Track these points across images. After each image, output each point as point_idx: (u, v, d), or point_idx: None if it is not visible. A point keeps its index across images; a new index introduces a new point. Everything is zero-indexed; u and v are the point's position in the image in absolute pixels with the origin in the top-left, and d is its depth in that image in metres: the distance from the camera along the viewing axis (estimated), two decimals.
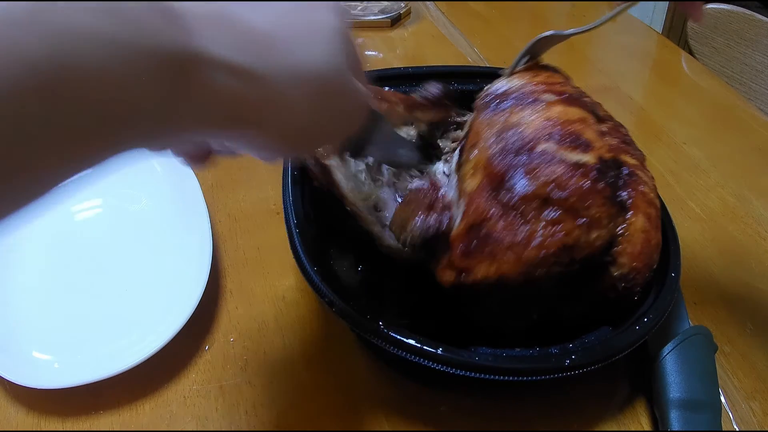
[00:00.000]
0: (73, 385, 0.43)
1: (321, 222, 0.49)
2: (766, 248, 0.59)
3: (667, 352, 0.44)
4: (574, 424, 0.44)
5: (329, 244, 0.49)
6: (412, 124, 0.54)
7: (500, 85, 0.48)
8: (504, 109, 0.45)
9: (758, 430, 0.44)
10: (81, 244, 0.56)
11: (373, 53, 0.93)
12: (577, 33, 0.47)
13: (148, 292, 0.51)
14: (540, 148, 0.41)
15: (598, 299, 0.43)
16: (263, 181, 0.65)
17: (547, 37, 0.47)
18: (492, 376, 0.38)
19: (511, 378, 0.39)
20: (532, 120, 0.43)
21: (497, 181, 0.41)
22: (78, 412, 0.44)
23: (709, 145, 0.73)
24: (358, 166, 0.50)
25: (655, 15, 1.86)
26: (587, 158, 0.41)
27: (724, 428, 0.42)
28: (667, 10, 1.82)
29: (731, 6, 1.01)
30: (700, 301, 0.53)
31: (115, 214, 0.59)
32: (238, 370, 0.47)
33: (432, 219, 0.42)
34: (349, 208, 0.48)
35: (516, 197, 0.40)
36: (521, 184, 0.40)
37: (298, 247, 0.45)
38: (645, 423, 0.44)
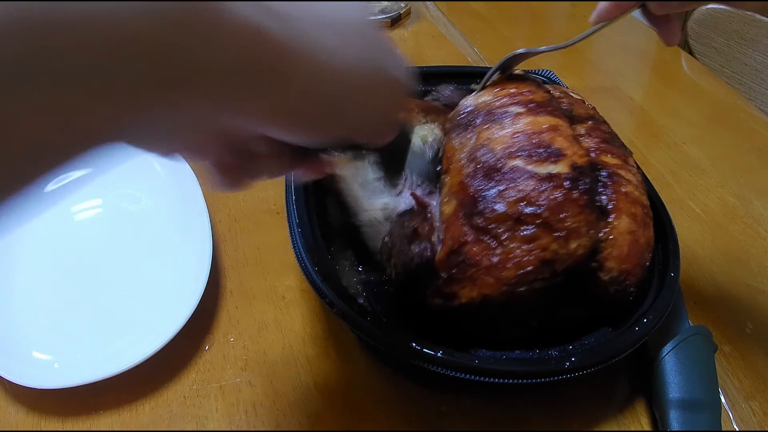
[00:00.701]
0: (73, 385, 0.43)
1: (322, 222, 0.49)
2: (766, 248, 0.59)
3: (666, 352, 0.44)
4: (574, 424, 0.44)
5: (330, 244, 0.49)
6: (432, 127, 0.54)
7: (468, 103, 0.47)
8: (473, 128, 0.44)
9: (758, 430, 0.44)
10: (81, 244, 0.56)
11: None
12: (550, 50, 0.47)
13: (148, 292, 0.51)
14: (510, 165, 0.41)
15: (593, 302, 0.43)
16: (263, 181, 0.65)
17: (518, 54, 0.47)
18: (492, 379, 0.38)
19: (511, 381, 0.39)
20: (500, 136, 0.43)
21: (470, 205, 0.40)
22: (78, 412, 0.44)
23: (709, 145, 0.74)
24: (376, 173, 0.50)
25: None
26: (559, 168, 0.40)
27: (724, 428, 0.42)
28: None
29: None
30: (700, 301, 0.53)
31: (115, 214, 0.59)
32: (238, 370, 0.47)
33: (415, 250, 0.42)
34: (363, 221, 0.47)
35: (489, 219, 0.39)
36: (493, 206, 0.40)
37: (300, 247, 0.45)
38: (645, 423, 0.44)
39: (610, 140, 0.47)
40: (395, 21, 0.99)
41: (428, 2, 1.07)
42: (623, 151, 0.47)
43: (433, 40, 0.96)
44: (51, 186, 0.67)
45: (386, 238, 0.46)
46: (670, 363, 0.43)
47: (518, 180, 0.40)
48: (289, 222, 0.47)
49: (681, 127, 0.77)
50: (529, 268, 0.39)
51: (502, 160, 0.41)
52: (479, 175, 0.41)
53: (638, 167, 0.48)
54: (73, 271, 0.53)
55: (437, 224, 0.43)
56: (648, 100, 0.84)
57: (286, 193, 0.49)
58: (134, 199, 0.60)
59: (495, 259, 0.39)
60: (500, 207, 0.39)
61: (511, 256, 0.39)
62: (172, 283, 0.51)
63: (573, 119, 0.47)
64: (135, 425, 0.43)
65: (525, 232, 0.39)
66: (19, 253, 0.54)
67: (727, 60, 1.02)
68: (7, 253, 0.53)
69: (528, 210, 0.39)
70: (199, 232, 0.54)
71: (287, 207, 0.48)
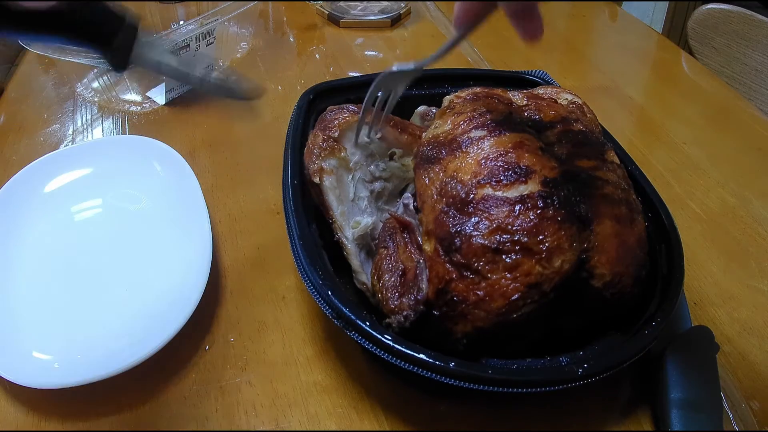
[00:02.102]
0: (73, 385, 0.43)
1: (321, 222, 0.49)
2: (766, 248, 0.59)
3: (668, 352, 0.44)
4: (575, 424, 0.44)
5: (329, 244, 0.49)
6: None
7: (430, 136, 0.47)
8: (439, 161, 0.44)
9: (758, 430, 0.44)
10: (81, 244, 0.56)
11: (373, 53, 0.93)
12: (421, 66, 0.46)
13: (148, 292, 0.51)
14: (480, 194, 0.40)
15: (593, 308, 0.43)
16: (263, 181, 0.65)
17: (393, 72, 0.47)
18: (506, 389, 0.38)
19: (525, 390, 0.38)
20: (466, 165, 0.42)
21: (448, 242, 0.40)
22: (78, 412, 0.44)
23: (709, 145, 0.74)
24: (360, 192, 0.50)
25: (655, 15, 1.87)
26: (529, 188, 0.40)
27: (724, 428, 0.42)
28: (667, 10, 1.83)
29: (731, 6, 1.01)
30: (700, 301, 0.53)
31: (115, 214, 0.59)
32: (238, 370, 0.47)
33: (406, 310, 0.41)
34: (335, 235, 0.47)
35: (468, 255, 0.39)
36: (469, 240, 0.39)
37: (299, 250, 0.44)
38: (645, 423, 0.44)
39: (584, 141, 0.46)
40: (395, 21, 0.99)
41: (428, 2, 1.07)
42: (599, 149, 0.46)
43: (433, 40, 0.96)
44: (51, 186, 0.68)
45: (375, 276, 0.45)
46: (672, 363, 0.43)
47: (491, 209, 0.39)
48: (287, 223, 0.47)
49: (681, 127, 0.77)
50: (516, 296, 0.38)
51: (472, 190, 0.41)
52: (452, 210, 0.41)
53: (621, 160, 0.47)
54: (73, 271, 0.53)
55: (422, 263, 0.42)
56: (648, 100, 0.84)
57: (284, 193, 0.49)
58: (134, 199, 0.60)
59: (481, 293, 0.39)
60: (477, 240, 0.39)
61: (496, 287, 0.38)
62: (172, 283, 0.51)
63: (541, 127, 0.46)
64: (135, 425, 0.43)
65: (506, 261, 0.38)
66: (19, 253, 0.54)
67: (727, 60, 1.02)
68: (7, 253, 0.53)
69: (504, 238, 0.39)
70: (199, 232, 0.54)
71: (285, 207, 0.48)
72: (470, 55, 0.91)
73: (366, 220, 0.48)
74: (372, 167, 0.52)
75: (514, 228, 0.39)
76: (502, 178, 0.41)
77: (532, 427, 0.44)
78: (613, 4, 1.12)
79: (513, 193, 0.40)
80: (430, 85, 0.63)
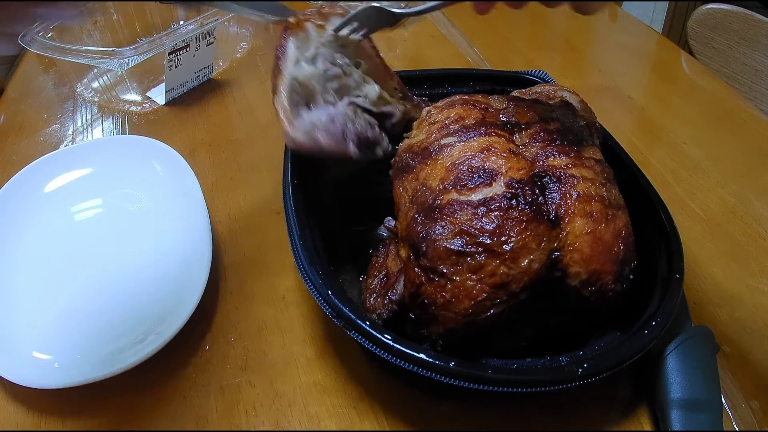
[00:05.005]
0: (73, 385, 0.43)
1: (321, 222, 0.49)
2: (766, 248, 0.59)
3: (668, 352, 0.44)
4: (575, 424, 0.44)
5: (329, 245, 0.49)
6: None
7: (405, 146, 0.47)
8: (412, 170, 0.44)
9: (758, 430, 0.44)
10: (81, 244, 0.56)
11: None
12: (404, 14, 0.51)
13: (148, 292, 0.51)
14: (446, 199, 0.41)
15: (576, 307, 0.42)
16: (263, 181, 0.65)
17: (374, 7, 0.50)
18: (506, 389, 0.38)
19: (525, 390, 0.38)
20: (435, 172, 0.43)
21: (416, 248, 0.41)
22: (78, 412, 0.44)
23: (709, 145, 0.74)
24: (318, 62, 0.50)
25: (655, 15, 1.87)
26: (494, 190, 0.40)
27: (724, 428, 0.42)
28: (667, 10, 1.82)
29: (731, 6, 1.01)
30: (700, 301, 0.53)
31: (115, 214, 0.59)
32: (238, 370, 0.47)
33: (379, 308, 0.43)
34: (273, 82, 0.47)
35: (433, 258, 0.39)
36: (434, 245, 0.40)
37: (299, 250, 0.44)
38: (645, 423, 0.44)
39: (559, 139, 0.46)
40: None
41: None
42: (577, 147, 0.46)
43: (433, 40, 0.96)
44: (51, 186, 0.68)
45: (365, 279, 0.46)
46: (672, 363, 0.43)
47: (455, 213, 0.40)
48: (287, 223, 0.47)
49: (681, 127, 0.77)
50: (482, 296, 0.38)
51: (439, 196, 0.41)
52: (421, 217, 0.41)
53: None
54: (73, 271, 0.53)
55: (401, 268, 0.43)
56: (648, 100, 0.84)
57: (284, 193, 0.49)
58: (134, 199, 0.60)
59: (447, 295, 0.39)
60: (441, 244, 0.39)
61: (461, 288, 0.39)
62: (172, 283, 0.51)
63: (516, 128, 0.46)
64: (135, 425, 0.43)
65: (470, 263, 0.39)
66: (19, 253, 0.54)
67: (727, 60, 1.02)
68: (7, 253, 0.53)
69: (467, 240, 0.39)
70: (199, 232, 0.54)
71: (285, 207, 0.48)
72: (470, 55, 0.91)
73: (305, 72, 0.49)
74: (338, 54, 0.52)
75: (477, 230, 0.39)
76: (466, 182, 0.41)
77: (532, 427, 0.44)
78: (613, 4, 1.12)
79: (477, 196, 0.40)
80: (430, 86, 0.63)
